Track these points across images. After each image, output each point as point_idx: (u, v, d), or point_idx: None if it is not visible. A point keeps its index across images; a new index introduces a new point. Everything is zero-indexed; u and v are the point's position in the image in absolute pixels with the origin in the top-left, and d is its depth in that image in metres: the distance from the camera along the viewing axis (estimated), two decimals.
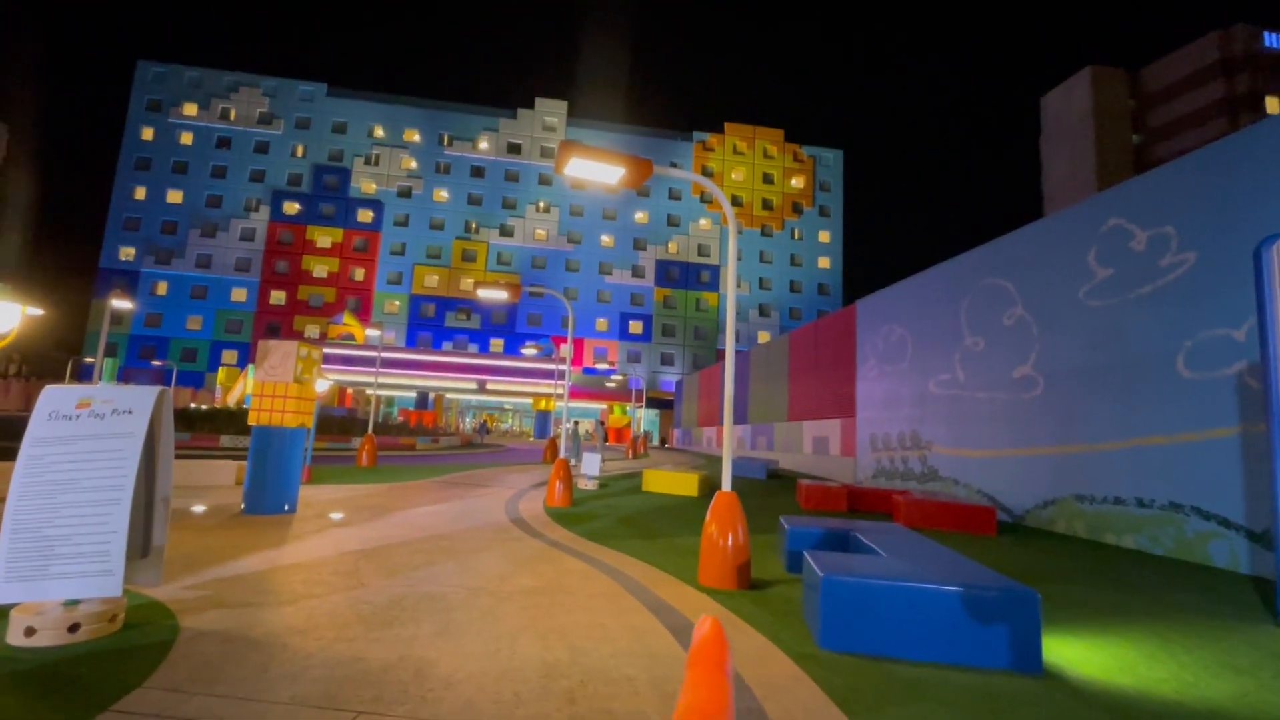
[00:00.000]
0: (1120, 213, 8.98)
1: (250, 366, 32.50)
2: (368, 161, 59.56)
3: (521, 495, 11.27)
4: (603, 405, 50.45)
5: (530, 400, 50.83)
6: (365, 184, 59.23)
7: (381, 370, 40.72)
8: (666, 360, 61.09)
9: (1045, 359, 10.22)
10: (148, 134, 57.19)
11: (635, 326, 60.95)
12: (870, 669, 3.48)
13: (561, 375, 42.48)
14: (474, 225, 60.28)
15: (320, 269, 57.68)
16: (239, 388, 31.81)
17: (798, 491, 11.74)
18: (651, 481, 13.04)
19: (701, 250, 63.74)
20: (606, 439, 40.69)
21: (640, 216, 63.03)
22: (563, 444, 10.83)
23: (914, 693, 3.20)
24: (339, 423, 26.12)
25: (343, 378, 41.99)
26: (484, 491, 11.67)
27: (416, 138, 60.69)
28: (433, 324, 58.19)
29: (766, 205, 65.66)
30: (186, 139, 57.71)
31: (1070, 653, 3.89)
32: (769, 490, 14.58)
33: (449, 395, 49.74)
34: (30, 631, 3.31)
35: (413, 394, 47.21)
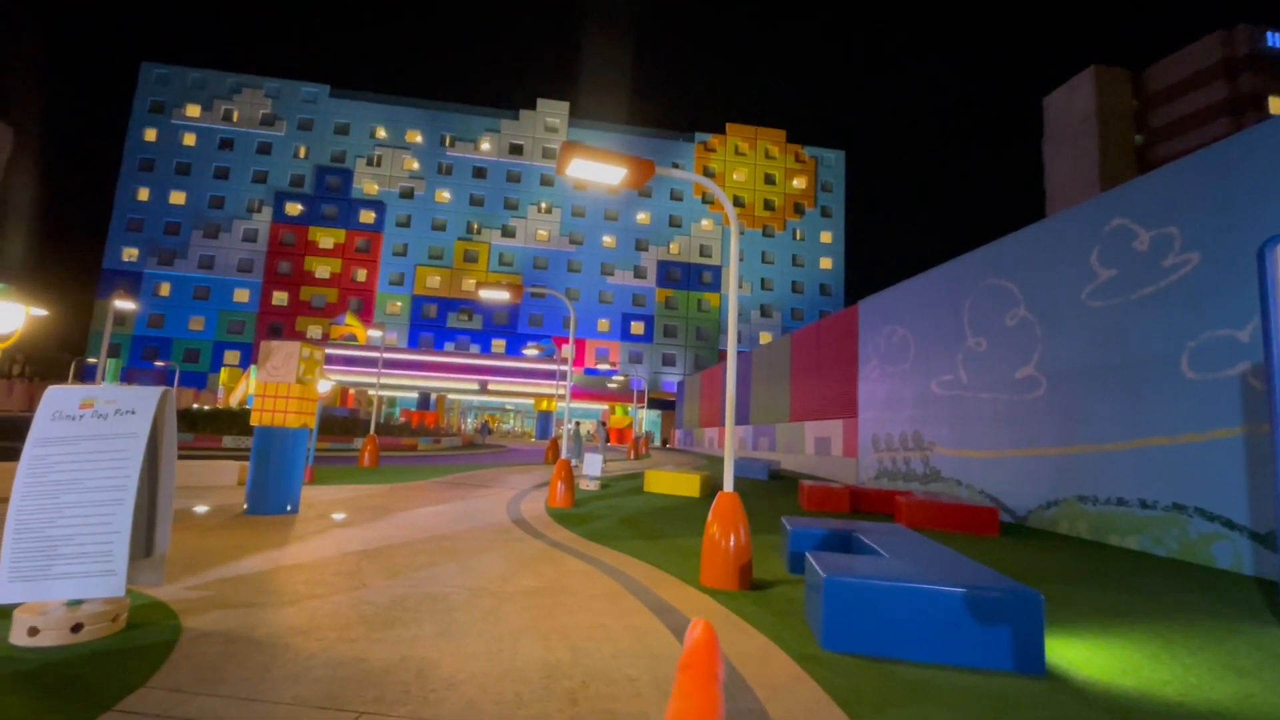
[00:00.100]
0: (1123, 213, 8.96)
1: (253, 367, 32.55)
2: (370, 162, 59.68)
3: (523, 496, 11.28)
4: (604, 406, 50.46)
5: (532, 401, 50.86)
6: (367, 185, 59.35)
7: (383, 371, 40.76)
8: (668, 361, 61.09)
9: (1048, 360, 10.20)
10: (151, 135, 57.39)
11: (637, 327, 60.96)
12: (872, 670, 3.48)
13: (563, 376, 42.50)
14: (476, 226, 60.36)
15: (322, 270, 57.80)
16: (241, 388, 31.88)
17: (799, 492, 11.73)
18: (653, 482, 13.03)
19: (703, 251, 63.75)
20: (608, 440, 40.69)
21: (642, 217, 63.06)
22: (564, 444, 10.83)
23: (916, 694, 3.19)
24: (341, 423, 26.15)
25: (345, 378, 42.03)
26: (486, 492, 11.68)
27: (419, 139, 60.80)
28: (435, 325, 58.26)
29: (768, 206, 65.65)
30: (189, 140, 57.90)
31: (1073, 654, 3.88)
32: (771, 491, 14.57)
33: (451, 396, 49.78)
34: (33, 631, 3.32)
35: (414, 395, 47.27)
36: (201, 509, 8.14)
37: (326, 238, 58.04)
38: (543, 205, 61.55)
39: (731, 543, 5.14)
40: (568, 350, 10.33)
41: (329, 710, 2.73)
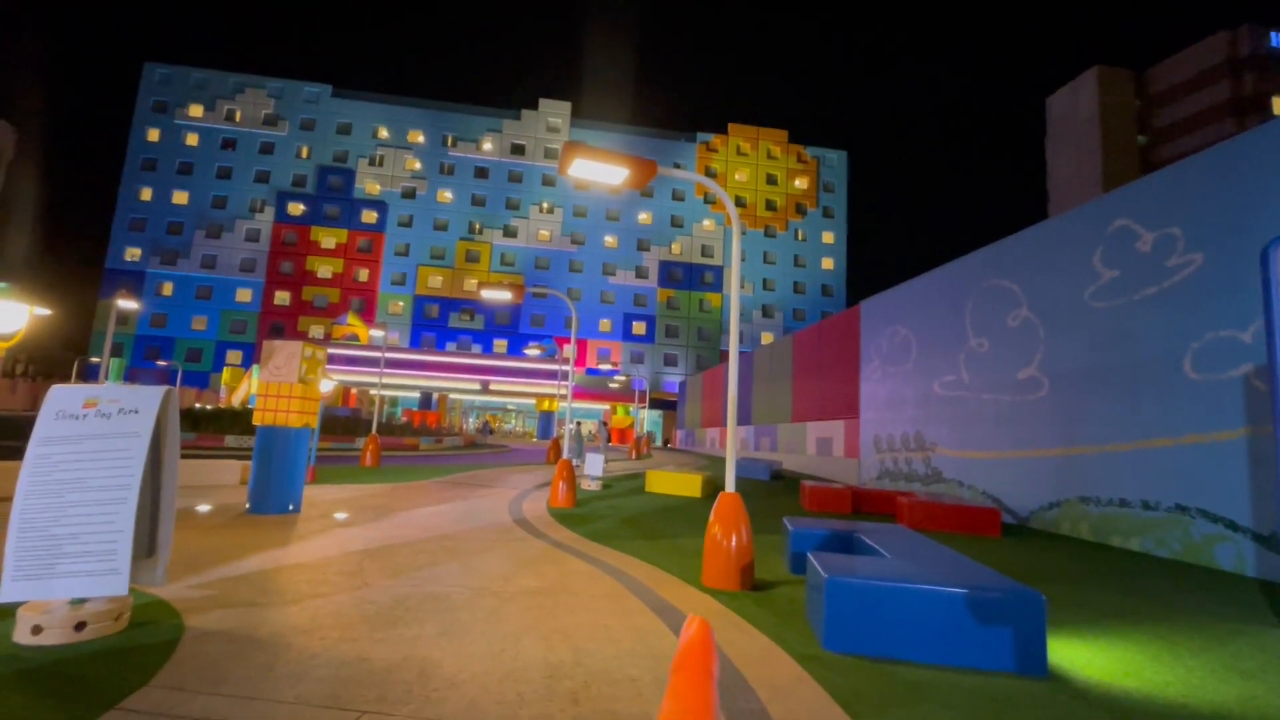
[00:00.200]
0: (1126, 214, 8.94)
1: (255, 367, 32.62)
2: (372, 162, 59.74)
3: (525, 496, 11.28)
4: (606, 406, 50.45)
5: (533, 401, 50.88)
6: (369, 185, 59.41)
7: (385, 371, 40.80)
8: (670, 361, 61.08)
9: (1050, 360, 10.18)
10: (154, 135, 57.50)
11: (639, 327, 60.96)
12: (874, 670, 3.48)
13: (565, 376, 42.49)
14: (478, 226, 60.40)
15: (325, 270, 57.86)
16: (244, 388, 31.94)
17: (801, 493, 11.72)
18: (655, 482, 13.03)
19: (705, 251, 63.73)
20: (610, 440, 40.70)
21: (644, 217, 63.05)
22: (566, 444, 10.84)
23: (918, 694, 3.19)
24: (343, 423, 26.19)
25: (347, 378, 42.10)
26: (487, 492, 11.69)
27: (421, 139, 60.86)
28: (436, 324, 58.30)
29: (770, 206, 65.60)
30: (192, 140, 58.01)
31: (1075, 655, 3.88)
32: (772, 491, 14.56)
33: (452, 396, 49.81)
34: (37, 630, 3.33)
35: (416, 394, 47.34)
36: (204, 508, 8.16)
37: (329, 237, 58.11)
38: (544, 205, 61.58)
39: (733, 543, 5.14)
40: (569, 350, 10.34)
41: (331, 709, 2.74)
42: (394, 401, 50.32)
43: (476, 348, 57.62)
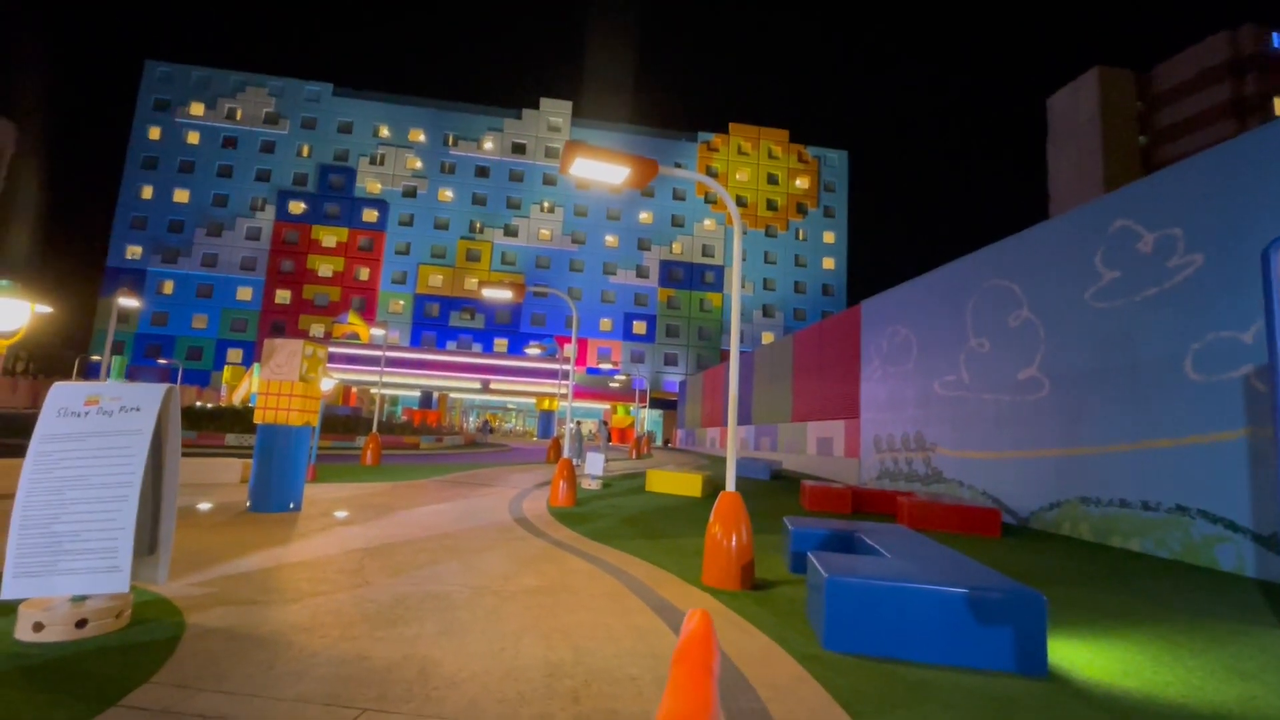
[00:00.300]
0: (1127, 214, 8.94)
1: (256, 365, 32.62)
2: (373, 161, 59.73)
3: (525, 495, 11.29)
4: (606, 405, 50.46)
5: (534, 400, 50.88)
6: (370, 184, 59.40)
7: (386, 369, 40.84)
8: (670, 361, 61.06)
9: (1051, 361, 10.18)
10: (155, 133, 57.48)
11: (639, 327, 60.95)
12: (874, 670, 3.48)
13: (565, 375, 42.48)
14: (478, 225, 60.39)
15: (325, 268, 57.86)
16: (244, 386, 31.93)
17: (801, 492, 11.72)
18: (655, 482, 13.03)
19: (706, 251, 63.70)
20: (610, 439, 40.71)
21: (645, 217, 63.03)
22: (566, 444, 10.84)
23: (918, 694, 3.20)
24: (344, 421, 26.20)
25: (347, 377, 42.11)
26: (488, 491, 11.69)
27: (422, 138, 60.84)
28: (437, 323, 58.30)
29: (771, 206, 65.57)
30: (193, 138, 57.99)
31: (1075, 655, 3.88)
32: (772, 491, 14.56)
33: (453, 395, 49.83)
34: (39, 627, 3.34)
35: (417, 393, 47.34)
36: (205, 506, 8.17)
37: (329, 236, 58.10)
38: (545, 204, 61.56)
39: (733, 542, 5.14)
40: (570, 349, 10.34)
41: (332, 708, 2.74)
42: (394, 400, 50.33)
43: (477, 347, 57.63)
